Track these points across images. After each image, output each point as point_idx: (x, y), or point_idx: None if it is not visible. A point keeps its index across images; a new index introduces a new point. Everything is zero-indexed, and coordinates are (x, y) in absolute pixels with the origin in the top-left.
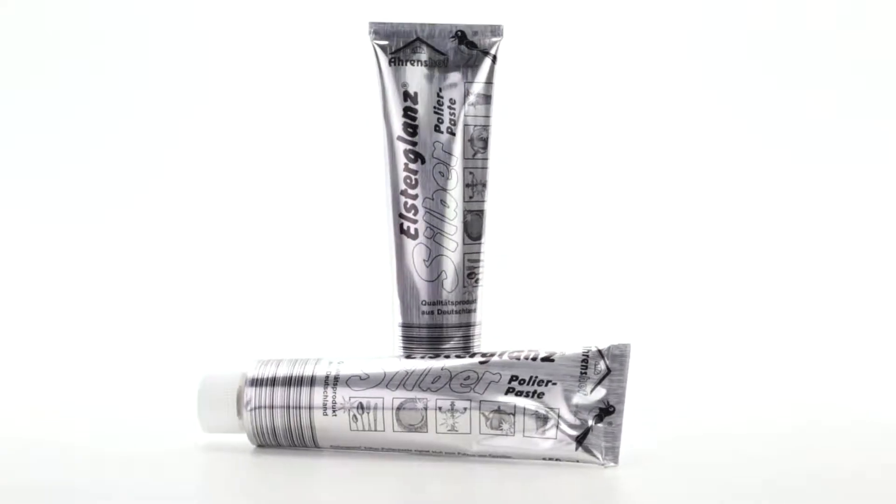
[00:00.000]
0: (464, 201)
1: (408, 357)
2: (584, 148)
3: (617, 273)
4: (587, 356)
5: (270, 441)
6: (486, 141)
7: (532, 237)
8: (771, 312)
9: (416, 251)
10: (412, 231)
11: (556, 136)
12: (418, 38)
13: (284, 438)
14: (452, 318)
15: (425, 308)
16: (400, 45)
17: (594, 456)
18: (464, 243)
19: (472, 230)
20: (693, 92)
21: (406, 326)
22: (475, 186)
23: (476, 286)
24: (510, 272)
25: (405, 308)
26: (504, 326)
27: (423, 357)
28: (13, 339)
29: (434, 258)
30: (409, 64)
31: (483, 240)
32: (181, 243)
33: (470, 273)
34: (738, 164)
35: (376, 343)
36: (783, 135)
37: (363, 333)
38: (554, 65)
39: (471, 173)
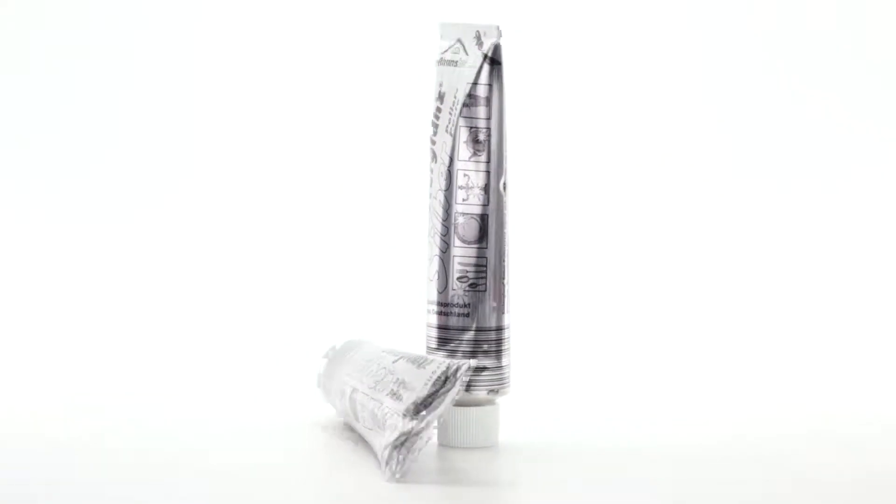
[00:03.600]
0: (455, 203)
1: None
2: (600, 152)
3: (624, 277)
4: (448, 368)
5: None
6: (482, 143)
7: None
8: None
9: (424, 249)
10: (426, 229)
11: (569, 139)
12: (458, 39)
13: (340, 413)
14: (442, 320)
15: (425, 307)
16: (447, 46)
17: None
18: (453, 245)
19: (465, 233)
20: (699, 98)
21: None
22: (470, 189)
23: (471, 291)
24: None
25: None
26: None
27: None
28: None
29: (431, 257)
30: (445, 64)
31: (485, 244)
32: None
33: (460, 276)
34: (747, 166)
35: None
36: (787, 138)
37: None
38: (568, 68)
39: (465, 175)
